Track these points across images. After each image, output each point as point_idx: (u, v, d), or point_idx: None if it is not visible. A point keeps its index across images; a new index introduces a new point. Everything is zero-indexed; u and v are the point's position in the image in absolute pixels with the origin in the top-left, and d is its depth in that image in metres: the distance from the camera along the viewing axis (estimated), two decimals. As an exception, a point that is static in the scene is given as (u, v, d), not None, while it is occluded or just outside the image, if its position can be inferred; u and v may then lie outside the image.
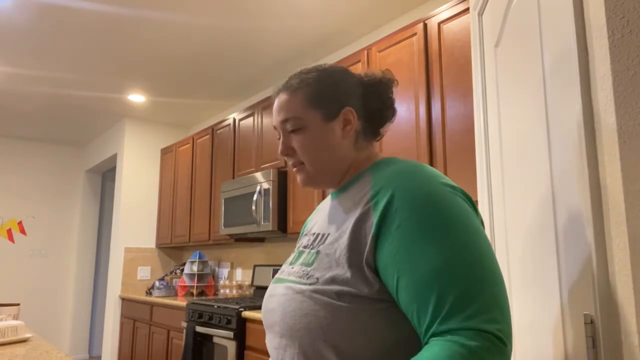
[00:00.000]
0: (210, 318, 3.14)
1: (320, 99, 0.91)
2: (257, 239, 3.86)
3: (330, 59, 3.50)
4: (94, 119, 5.04)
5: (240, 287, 3.92)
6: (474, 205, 0.81)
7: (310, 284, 0.80)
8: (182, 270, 4.66)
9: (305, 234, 0.99)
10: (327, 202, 0.99)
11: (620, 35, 0.78)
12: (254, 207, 3.29)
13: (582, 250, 0.86)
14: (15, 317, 2.22)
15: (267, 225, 3.18)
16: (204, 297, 3.94)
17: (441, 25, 2.25)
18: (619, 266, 0.76)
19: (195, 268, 4.21)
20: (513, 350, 1.23)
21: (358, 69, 2.68)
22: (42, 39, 3.25)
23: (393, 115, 0.97)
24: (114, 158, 5.30)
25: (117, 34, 3.18)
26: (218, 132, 4.11)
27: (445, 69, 2.20)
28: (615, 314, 0.78)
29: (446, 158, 2.14)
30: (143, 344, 4.18)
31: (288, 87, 0.94)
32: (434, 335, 0.69)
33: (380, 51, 2.56)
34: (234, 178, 3.81)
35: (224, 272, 4.39)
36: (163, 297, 4.20)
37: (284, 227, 3.20)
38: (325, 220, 0.92)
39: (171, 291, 4.38)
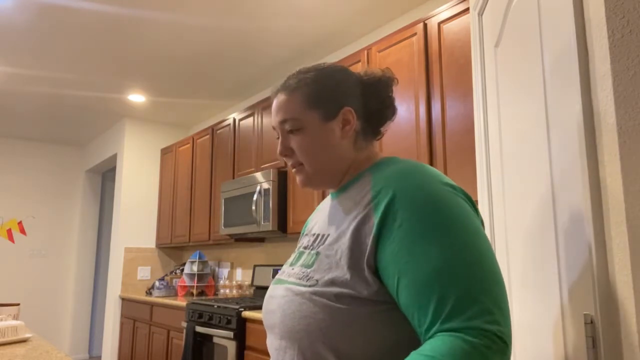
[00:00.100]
0: (210, 318, 3.14)
1: (318, 99, 0.90)
2: (257, 239, 3.86)
3: (330, 59, 3.50)
4: (94, 119, 5.04)
5: (240, 287, 3.92)
6: (474, 205, 0.81)
7: (309, 286, 0.80)
8: (182, 270, 4.66)
9: (306, 234, 0.99)
10: (327, 202, 0.99)
11: (620, 35, 0.78)
12: (254, 207, 3.29)
13: (582, 250, 0.86)
14: (15, 317, 2.22)
15: (267, 225, 3.18)
16: (204, 297, 3.94)
17: (441, 25, 2.24)
18: (619, 266, 0.76)
19: (195, 268, 4.21)
20: (513, 350, 1.23)
21: (358, 69, 2.68)
22: (42, 39, 3.25)
23: (393, 114, 0.97)
24: (114, 158, 5.30)
25: (117, 34, 3.18)
26: (218, 132, 4.11)
27: (445, 69, 2.20)
28: (615, 314, 0.78)
29: (446, 158, 2.14)
30: (143, 344, 4.18)
31: (286, 87, 0.93)
32: (435, 335, 0.68)
33: (380, 51, 2.56)
34: (234, 178, 3.81)
35: (224, 272, 4.39)
36: (163, 297, 4.20)
37: (284, 227, 3.20)
38: (325, 221, 0.92)
39: (171, 291, 4.38)
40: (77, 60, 3.60)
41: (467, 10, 2.12)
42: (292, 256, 0.96)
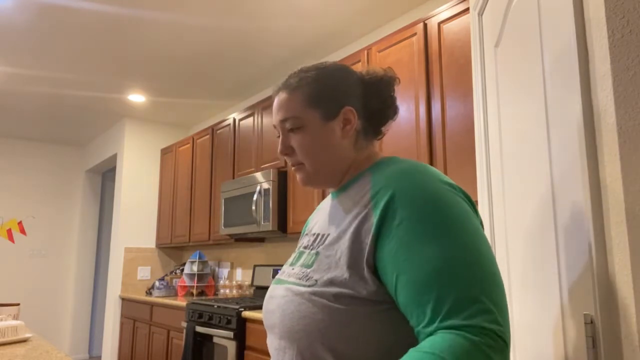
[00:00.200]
0: (210, 318, 3.14)
1: (319, 99, 0.90)
2: (257, 239, 3.86)
3: (330, 59, 3.50)
4: (94, 119, 5.04)
5: (240, 287, 3.92)
6: (473, 205, 0.81)
7: (309, 286, 0.80)
8: (182, 270, 4.66)
9: (306, 234, 0.99)
10: (328, 201, 0.99)
11: (620, 35, 0.78)
12: (254, 207, 3.29)
13: (582, 250, 0.86)
14: (15, 317, 2.22)
15: (267, 225, 3.18)
16: (204, 297, 3.94)
17: (441, 25, 2.25)
18: (619, 266, 0.76)
19: (195, 268, 4.21)
20: (513, 350, 1.23)
21: (358, 69, 2.68)
22: (42, 39, 3.25)
23: (395, 114, 0.96)
24: (114, 158, 5.30)
25: (117, 34, 3.18)
26: (218, 132, 4.11)
27: (445, 69, 2.20)
28: (615, 314, 0.78)
29: (446, 158, 2.14)
30: (143, 344, 4.18)
31: (287, 85, 0.93)
32: (433, 332, 0.68)
33: (380, 51, 2.56)
34: (234, 178, 3.81)
35: (224, 272, 4.39)
36: (163, 297, 4.20)
37: (284, 227, 3.20)
38: (325, 220, 0.92)
39: (171, 291, 4.38)
40: (77, 60, 3.60)
41: (467, 10, 2.12)
42: (293, 256, 0.96)
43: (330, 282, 0.78)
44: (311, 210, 2.97)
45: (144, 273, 4.83)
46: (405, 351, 0.74)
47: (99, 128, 5.38)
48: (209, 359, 3.10)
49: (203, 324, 3.20)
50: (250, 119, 3.69)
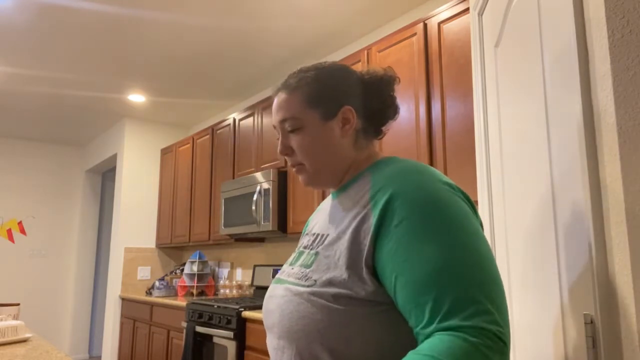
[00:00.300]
0: (210, 318, 3.14)
1: (318, 99, 0.90)
2: (257, 239, 3.86)
3: (330, 59, 3.50)
4: (94, 119, 5.04)
5: (240, 287, 3.92)
6: (473, 205, 0.81)
7: (308, 286, 0.80)
8: (182, 270, 4.66)
9: (307, 234, 0.99)
10: (328, 201, 0.99)
11: (620, 35, 0.78)
12: (254, 207, 3.29)
13: (582, 250, 0.86)
14: (15, 317, 2.22)
15: (267, 225, 3.18)
16: (204, 297, 3.94)
17: (441, 25, 2.24)
18: (619, 266, 0.76)
19: (195, 268, 4.21)
20: (513, 350, 1.23)
21: (358, 69, 2.68)
22: (42, 39, 3.25)
23: (395, 114, 0.96)
24: (114, 158, 5.30)
25: (117, 34, 3.18)
26: (218, 132, 4.11)
27: (445, 69, 2.20)
28: (615, 314, 0.78)
29: (446, 158, 2.14)
30: (143, 344, 4.18)
31: (287, 86, 0.93)
32: (432, 334, 0.68)
33: (380, 51, 2.56)
34: (234, 178, 3.81)
35: (224, 272, 4.39)
36: (163, 297, 4.20)
37: (284, 227, 3.20)
38: (325, 220, 0.92)
39: (171, 291, 4.38)
40: (77, 60, 3.60)
41: (467, 10, 2.12)
42: (292, 256, 0.96)
43: (329, 283, 0.78)
44: (311, 210, 2.98)
45: (144, 273, 4.83)
46: (404, 352, 0.74)
47: (99, 128, 5.38)
48: (209, 359, 3.10)
49: (203, 324, 3.20)
50: (250, 119, 3.69)
